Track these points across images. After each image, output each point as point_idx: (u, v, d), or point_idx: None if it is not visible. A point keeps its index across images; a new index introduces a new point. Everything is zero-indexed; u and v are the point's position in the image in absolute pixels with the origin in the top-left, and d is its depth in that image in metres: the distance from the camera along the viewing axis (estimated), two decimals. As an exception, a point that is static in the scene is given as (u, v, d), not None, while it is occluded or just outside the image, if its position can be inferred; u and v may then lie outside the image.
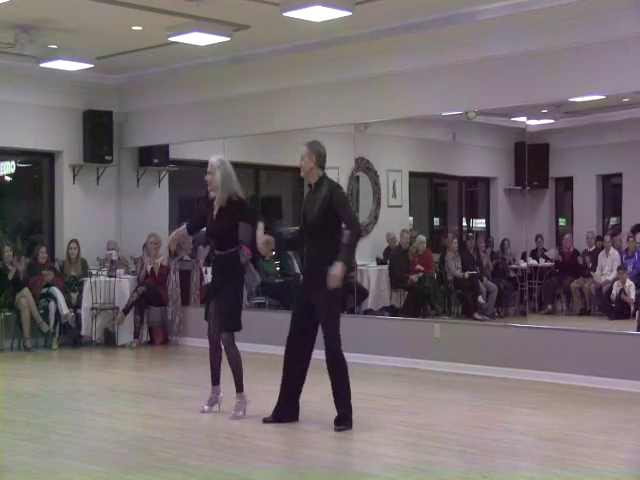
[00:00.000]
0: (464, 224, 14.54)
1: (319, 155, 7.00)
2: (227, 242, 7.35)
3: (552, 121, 12.18)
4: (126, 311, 12.19)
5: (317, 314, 6.89)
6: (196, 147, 12.79)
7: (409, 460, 6.16)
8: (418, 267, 12.56)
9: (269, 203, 13.98)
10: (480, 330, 10.29)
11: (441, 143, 13.61)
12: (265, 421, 7.07)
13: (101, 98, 13.04)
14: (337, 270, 6.69)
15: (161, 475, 5.66)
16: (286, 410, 7.07)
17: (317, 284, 6.83)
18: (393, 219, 13.29)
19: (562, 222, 13.90)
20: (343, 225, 6.89)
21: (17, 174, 13.25)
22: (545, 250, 13.20)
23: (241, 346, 7.40)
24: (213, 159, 7.35)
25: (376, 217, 13.25)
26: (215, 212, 7.34)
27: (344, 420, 6.83)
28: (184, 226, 7.73)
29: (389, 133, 12.77)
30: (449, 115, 11.62)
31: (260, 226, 7.13)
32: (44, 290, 11.92)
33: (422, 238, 12.80)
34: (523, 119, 11.07)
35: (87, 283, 12.13)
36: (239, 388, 7.37)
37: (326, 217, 6.88)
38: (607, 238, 12.33)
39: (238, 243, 7.44)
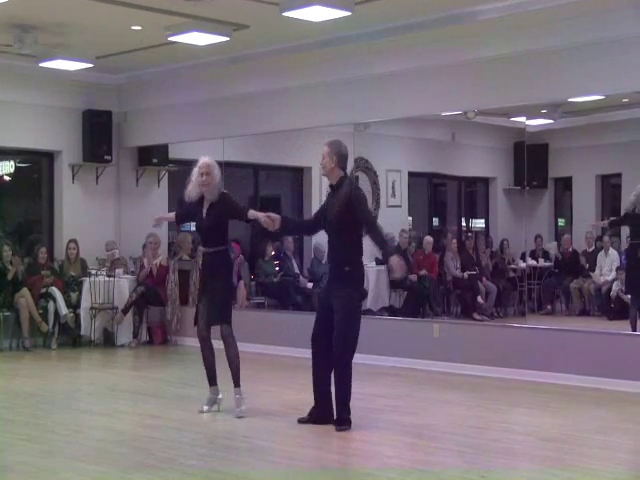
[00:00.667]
0: (463, 224, 14.53)
1: (340, 155, 6.90)
2: (216, 239, 7.34)
3: (551, 121, 12.16)
4: (125, 311, 12.18)
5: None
6: (195, 147, 12.76)
7: (408, 460, 6.16)
8: (424, 272, 12.55)
9: (268, 203, 13.95)
10: (479, 330, 10.29)
11: (440, 143, 13.60)
12: (300, 421, 7.01)
13: (100, 98, 13.03)
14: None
15: (160, 475, 5.67)
16: (321, 412, 6.98)
17: (335, 284, 6.82)
18: (392, 219, 13.24)
19: (561, 222, 13.89)
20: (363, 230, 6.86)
21: (16, 174, 13.26)
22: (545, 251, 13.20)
23: (241, 346, 7.41)
24: (207, 160, 7.35)
25: (375, 217, 13.20)
26: (205, 209, 7.36)
27: (344, 421, 6.83)
28: (173, 214, 7.92)
29: (389, 133, 12.75)
30: (449, 115, 11.62)
31: (252, 211, 7.23)
32: (43, 290, 11.92)
33: (429, 239, 12.80)
34: (522, 119, 11.05)
35: (86, 283, 12.12)
36: (237, 382, 7.35)
37: (345, 217, 6.81)
38: (606, 238, 12.32)
39: (228, 241, 7.45)
